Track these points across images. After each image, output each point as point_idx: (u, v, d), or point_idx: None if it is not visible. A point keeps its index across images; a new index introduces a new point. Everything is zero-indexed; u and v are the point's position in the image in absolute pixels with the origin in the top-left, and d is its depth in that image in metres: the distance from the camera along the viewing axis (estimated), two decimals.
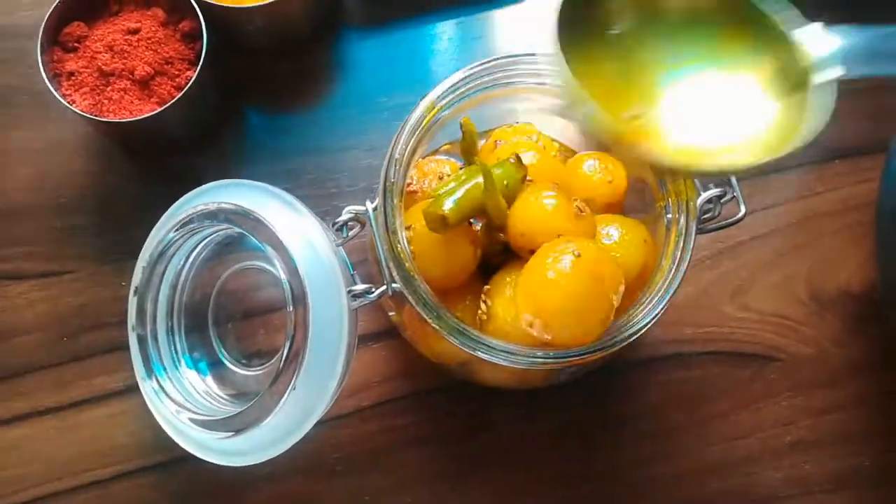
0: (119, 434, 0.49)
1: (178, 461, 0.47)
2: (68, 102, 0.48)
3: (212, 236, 0.45)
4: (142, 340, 0.44)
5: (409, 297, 0.37)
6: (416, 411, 0.49)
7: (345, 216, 0.40)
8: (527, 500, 0.48)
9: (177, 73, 0.49)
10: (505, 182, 0.40)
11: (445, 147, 0.47)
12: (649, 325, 0.38)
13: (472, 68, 0.41)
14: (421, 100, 0.40)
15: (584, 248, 0.36)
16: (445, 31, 0.58)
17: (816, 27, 0.33)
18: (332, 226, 0.40)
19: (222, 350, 0.47)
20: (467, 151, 0.43)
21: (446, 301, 0.41)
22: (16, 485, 0.48)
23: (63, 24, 0.50)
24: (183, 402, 0.43)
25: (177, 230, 0.43)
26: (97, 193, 0.53)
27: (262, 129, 0.56)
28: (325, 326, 0.39)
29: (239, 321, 0.48)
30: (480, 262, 0.41)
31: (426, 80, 0.57)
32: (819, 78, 0.32)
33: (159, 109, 0.48)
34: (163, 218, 0.45)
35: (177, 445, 0.42)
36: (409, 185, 0.44)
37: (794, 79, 0.33)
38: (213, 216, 0.41)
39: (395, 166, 0.39)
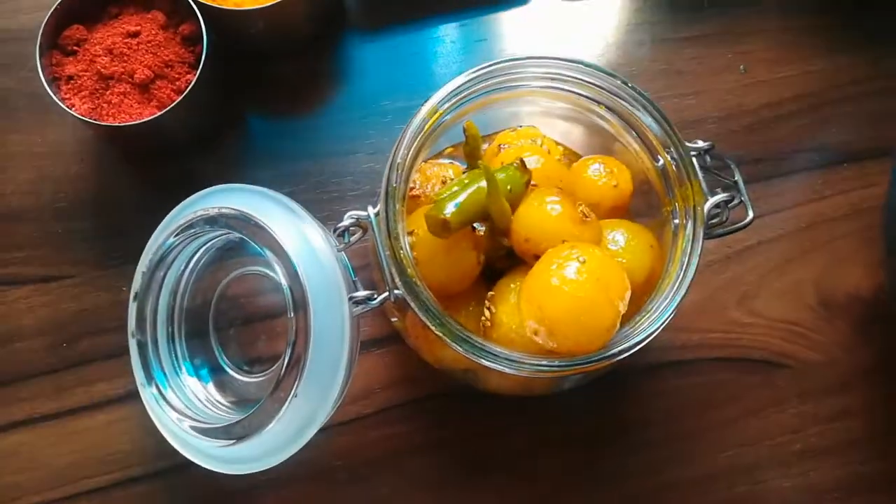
0: (119, 441, 0.48)
1: (179, 468, 0.46)
2: (67, 106, 0.48)
3: (212, 241, 0.45)
4: (142, 347, 0.44)
5: (412, 304, 0.37)
6: (420, 418, 0.48)
7: (346, 221, 0.39)
8: None
9: (177, 76, 0.49)
10: (508, 187, 0.39)
11: (449, 150, 0.47)
12: (656, 333, 0.37)
13: (475, 71, 0.40)
14: (423, 104, 0.40)
15: (589, 254, 0.36)
16: (449, 33, 0.58)
17: None
18: (334, 231, 0.39)
19: (223, 356, 0.47)
20: (471, 155, 0.42)
21: (450, 307, 0.40)
22: (14, 492, 0.47)
23: (62, 28, 0.49)
24: (184, 410, 0.43)
25: (177, 235, 0.42)
26: (97, 198, 0.53)
27: (263, 132, 0.55)
28: (326, 333, 0.38)
29: (240, 327, 0.48)
30: (484, 268, 0.41)
31: (429, 82, 0.56)
32: None
33: (159, 113, 0.47)
34: (163, 223, 0.44)
35: (178, 452, 0.42)
36: (411, 189, 0.43)
37: None
38: (213, 221, 0.41)
39: (397, 171, 0.38)
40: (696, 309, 0.50)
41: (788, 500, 0.47)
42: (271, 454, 0.40)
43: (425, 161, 0.46)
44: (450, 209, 0.37)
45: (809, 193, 0.54)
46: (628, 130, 0.42)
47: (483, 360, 0.36)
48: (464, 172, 0.44)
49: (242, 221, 0.40)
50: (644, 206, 0.44)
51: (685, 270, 0.38)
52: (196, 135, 0.53)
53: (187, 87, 0.48)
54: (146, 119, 0.47)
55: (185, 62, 0.50)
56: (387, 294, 0.38)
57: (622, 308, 0.36)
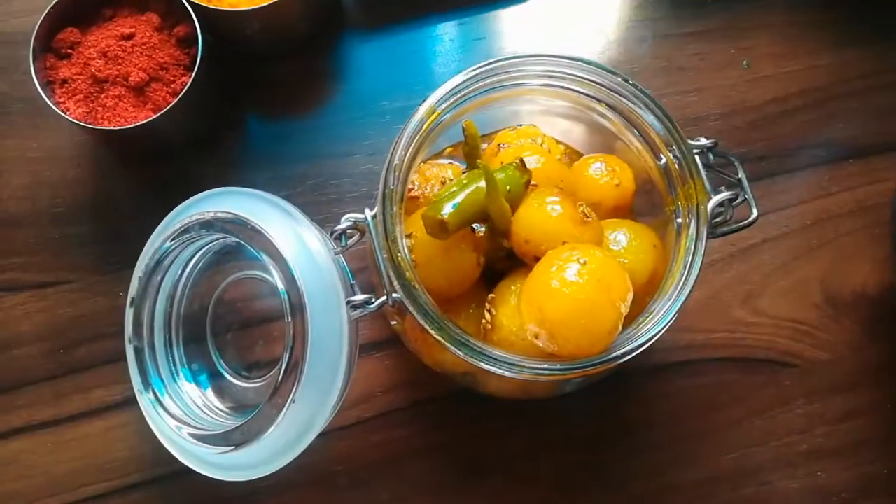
0: (117, 448, 0.48)
1: (178, 475, 0.46)
2: (62, 110, 0.47)
3: (209, 245, 0.45)
4: (139, 353, 0.44)
5: (410, 308, 0.36)
6: (420, 421, 0.48)
7: (343, 224, 0.38)
8: None
9: (172, 78, 0.49)
10: (507, 187, 0.38)
11: (448, 150, 0.46)
12: (660, 335, 0.36)
13: (473, 70, 0.40)
14: (420, 103, 0.39)
15: (590, 255, 0.35)
16: (447, 32, 0.57)
17: None
18: (331, 234, 0.39)
19: (221, 361, 0.46)
20: (470, 155, 0.41)
21: (450, 309, 0.40)
22: (13, 500, 0.47)
23: (56, 31, 0.49)
24: (181, 416, 0.42)
25: (173, 239, 0.42)
26: (94, 202, 0.53)
27: (260, 134, 0.55)
28: (324, 337, 0.37)
29: (238, 331, 0.47)
30: (485, 269, 0.40)
31: (428, 82, 0.56)
32: None
33: (154, 116, 0.47)
34: (159, 227, 0.44)
35: (176, 459, 0.41)
36: (410, 190, 0.43)
37: None
38: (209, 225, 0.40)
39: (395, 172, 0.38)
40: (700, 308, 0.50)
41: (795, 501, 0.47)
42: (270, 460, 0.39)
43: (424, 161, 0.45)
44: (447, 210, 0.37)
45: (815, 190, 0.53)
46: (630, 128, 0.41)
47: (482, 364, 0.35)
48: (464, 173, 0.43)
49: (238, 225, 0.39)
50: (647, 204, 0.43)
51: (688, 270, 0.37)
52: (192, 137, 0.52)
53: (183, 89, 0.47)
54: (141, 122, 0.47)
55: (181, 64, 0.49)
56: (385, 298, 0.37)
57: (624, 310, 0.35)
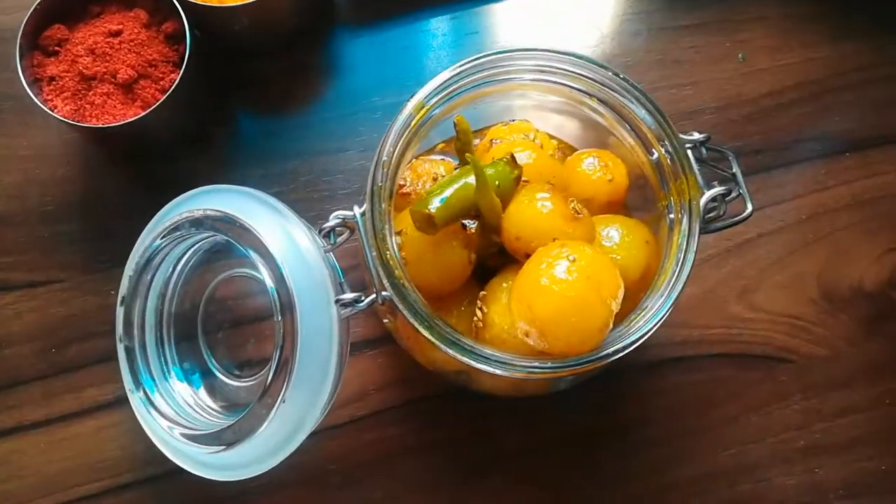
0: (109, 447, 0.47)
1: (170, 474, 0.46)
2: (49, 108, 0.47)
3: (199, 243, 0.44)
4: (129, 352, 0.43)
5: (400, 306, 0.36)
6: (413, 420, 0.47)
7: (332, 222, 0.38)
8: None
9: (161, 75, 0.48)
10: (497, 182, 0.38)
11: (441, 146, 0.46)
12: (651, 332, 0.36)
13: (462, 65, 0.39)
14: (409, 99, 0.39)
15: (580, 251, 0.35)
16: (440, 26, 0.57)
17: None
18: (320, 232, 0.38)
19: (212, 360, 0.46)
20: (462, 151, 0.41)
21: (441, 307, 0.39)
22: (4, 501, 0.47)
23: (43, 28, 0.48)
24: (173, 416, 0.42)
25: (163, 238, 0.42)
26: (83, 200, 0.52)
27: (251, 131, 0.54)
28: (314, 335, 0.37)
29: (229, 330, 0.47)
30: (477, 266, 0.40)
31: (420, 77, 0.54)
32: None
33: (143, 113, 0.46)
34: (149, 225, 0.43)
35: (168, 458, 0.41)
36: (402, 186, 0.42)
37: None
38: (198, 223, 0.40)
39: (383, 169, 0.37)
40: (696, 304, 0.49)
41: (792, 498, 0.46)
42: (261, 460, 0.39)
43: (416, 157, 0.45)
44: (435, 204, 0.36)
45: (811, 184, 0.52)
46: (622, 123, 0.41)
47: (473, 363, 0.35)
48: (456, 168, 0.43)
49: (227, 223, 0.39)
50: (640, 200, 0.43)
51: (681, 267, 0.37)
52: (182, 134, 0.52)
53: (171, 86, 0.47)
54: (130, 120, 0.46)
55: (169, 61, 0.49)
56: (374, 297, 0.37)
57: (615, 307, 0.35)
